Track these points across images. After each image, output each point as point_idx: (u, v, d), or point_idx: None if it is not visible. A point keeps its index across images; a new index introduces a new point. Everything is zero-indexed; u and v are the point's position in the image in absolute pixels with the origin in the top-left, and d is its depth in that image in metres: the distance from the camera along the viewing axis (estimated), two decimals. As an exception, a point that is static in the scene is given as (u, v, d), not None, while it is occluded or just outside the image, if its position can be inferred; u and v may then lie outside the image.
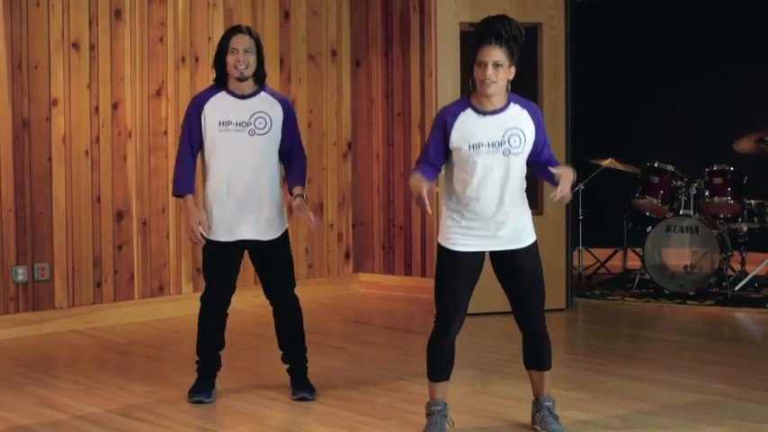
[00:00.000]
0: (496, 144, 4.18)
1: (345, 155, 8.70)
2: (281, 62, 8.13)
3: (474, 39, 4.24)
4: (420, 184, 4.14)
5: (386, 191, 8.64)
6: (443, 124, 4.25)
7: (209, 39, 7.62)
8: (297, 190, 5.01)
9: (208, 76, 7.57)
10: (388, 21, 8.58)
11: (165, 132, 7.43)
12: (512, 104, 4.25)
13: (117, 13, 7.14)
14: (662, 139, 9.96)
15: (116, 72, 7.16)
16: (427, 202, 4.09)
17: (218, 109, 4.86)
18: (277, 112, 4.93)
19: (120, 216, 7.20)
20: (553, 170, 4.22)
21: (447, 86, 7.22)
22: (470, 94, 4.29)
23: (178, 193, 4.97)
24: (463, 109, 4.25)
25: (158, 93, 7.38)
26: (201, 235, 4.92)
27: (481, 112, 4.22)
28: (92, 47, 7.03)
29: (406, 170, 8.47)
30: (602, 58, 9.81)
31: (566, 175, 4.18)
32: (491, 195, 4.21)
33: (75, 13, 6.94)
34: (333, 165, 8.59)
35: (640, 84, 10.07)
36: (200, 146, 4.92)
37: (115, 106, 7.16)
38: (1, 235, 6.66)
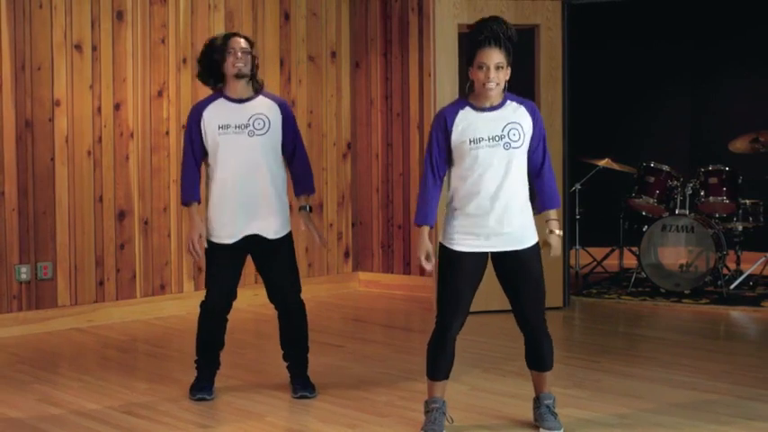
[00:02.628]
0: (497, 138, 4.21)
1: (345, 155, 8.75)
2: (282, 63, 8.17)
3: (469, 42, 4.27)
4: (421, 248, 4.33)
5: (385, 190, 8.69)
6: (444, 123, 4.27)
7: (210, 40, 7.67)
8: (302, 200, 5.10)
9: (209, 77, 7.64)
10: (386, 22, 8.63)
11: (167, 132, 7.48)
12: (508, 102, 4.29)
13: (119, 15, 7.19)
14: (658, 140, 10.02)
15: (118, 73, 7.20)
16: (426, 267, 4.35)
17: (217, 114, 4.91)
18: (275, 114, 4.96)
19: (122, 215, 7.25)
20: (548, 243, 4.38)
21: (445, 87, 7.26)
22: (467, 95, 4.32)
23: (186, 202, 5.02)
24: (462, 107, 4.29)
25: (160, 93, 7.43)
26: (204, 241, 4.98)
27: (479, 108, 4.26)
28: (94, 48, 7.08)
29: (405, 170, 8.53)
30: (598, 59, 9.86)
31: (551, 244, 4.38)
32: (491, 189, 4.23)
33: (78, 15, 6.98)
34: (332, 165, 8.64)
35: (636, 85, 10.13)
36: (204, 153, 4.96)
37: (117, 107, 7.21)
38: (4, 234, 6.71)
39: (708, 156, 8.76)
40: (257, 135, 4.90)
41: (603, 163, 9.02)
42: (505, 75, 4.21)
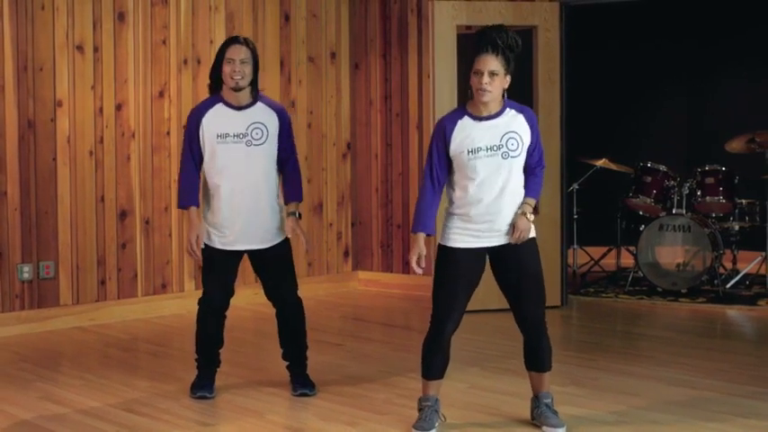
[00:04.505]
0: (495, 148, 4.25)
1: (345, 155, 8.79)
2: (282, 64, 8.22)
3: (471, 48, 4.31)
4: (413, 250, 4.36)
5: (384, 190, 8.73)
6: (443, 133, 4.31)
7: (211, 41, 7.71)
8: (291, 207, 5.07)
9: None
10: (386, 23, 8.66)
11: (168, 133, 7.52)
12: (507, 109, 4.32)
13: (120, 16, 7.23)
14: (655, 140, 10.06)
15: (120, 74, 7.24)
16: (416, 270, 4.37)
17: (216, 121, 4.89)
18: (273, 122, 4.96)
19: (123, 215, 7.30)
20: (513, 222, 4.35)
21: (444, 88, 7.30)
22: (466, 102, 4.35)
23: (183, 206, 5.01)
24: (460, 117, 4.32)
25: (161, 94, 7.47)
26: (202, 242, 5.00)
27: (478, 117, 4.29)
28: (96, 49, 7.11)
29: (405, 170, 8.57)
30: (596, 60, 9.90)
31: (518, 225, 4.32)
32: (490, 197, 4.28)
33: (80, 16, 7.02)
34: (332, 165, 8.68)
35: (634, 85, 10.18)
36: (202, 157, 4.95)
37: (119, 107, 7.24)
38: (7, 233, 6.75)
39: (705, 156, 8.80)
40: (255, 145, 4.90)
41: (601, 163, 9.06)
42: (502, 82, 4.23)
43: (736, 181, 8.28)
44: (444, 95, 7.29)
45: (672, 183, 8.38)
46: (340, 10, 8.71)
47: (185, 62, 7.59)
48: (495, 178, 4.27)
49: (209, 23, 7.73)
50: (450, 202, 4.40)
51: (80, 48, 7.04)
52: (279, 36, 8.22)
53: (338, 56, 8.71)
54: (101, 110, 7.15)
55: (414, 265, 4.38)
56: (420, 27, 8.42)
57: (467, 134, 4.27)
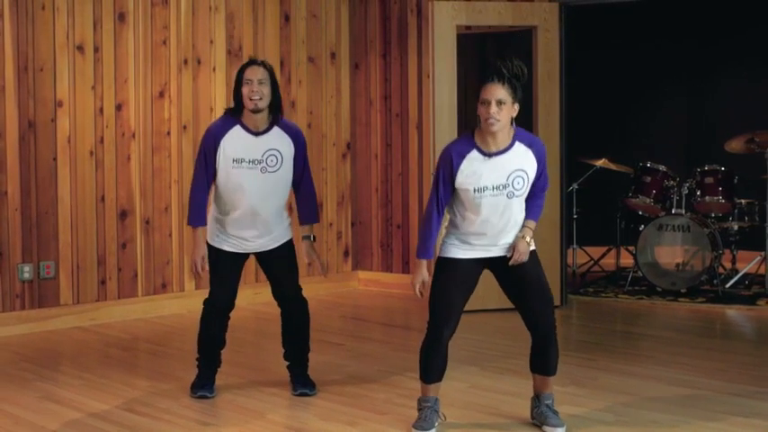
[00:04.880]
0: (501, 187, 4.26)
1: (344, 155, 8.80)
2: (282, 64, 8.22)
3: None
4: (417, 277, 4.41)
5: (384, 190, 8.74)
6: (450, 163, 4.28)
7: (211, 42, 7.72)
8: (305, 230, 5.13)
9: (210, 78, 7.70)
10: (386, 24, 8.67)
11: (168, 133, 7.52)
12: (517, 143, 4.29)
13: (121, 17, 7.24)
14: (654, 140, 10.07)
15: (120, 74, 7.25)
16: (418, 295, 4.45)
17: (233, 145, 4.88)
18: (288, 148, 4.97)
19: (123, 215, 7.30)
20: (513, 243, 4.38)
21: (444, 88, 7.31)
22: (474, 131, 4.32)
23: (193, 225, 5.02)
24: (469, 150, 4.28)
25: (161, 94, 7.48)
26: (206, 264, 5.04)
27: (486, 153, 4.26)
28: (96, 49, 7.12)
29: (404, 170, 8.58)
30: (595, 60, 9.91)
31: (518, 248, 4.34)
32: (494, 230, 4.32)
33: (80, 17, 7.02)
34: (332, 165, 8.69)
35: (633, 85, 10.19)
36: (215, 176, 4.96)
37: (119, 107, 7.25)
38: (7, 233, 6.75)
39: (704, 156, 8.82)
40: (269, 172, 4.91)
41: (600, 163, 9.08)
42: (510, 111, 4.21)
43: (736, 181, 8.30)
44: (444, 95, 7.30)
45: (671, 183, 8.40)
46: (340, 10, 8.72)
47: (185, 62, 7.60)
48: (499, 215, 4.30)
49: (209, 23, 7.74)
50: (451, 222, 4.43)
51: (80, 48, 7.04)
52: (279, 36, 8.23)
53: (338, 56, 8.71)
54: (101, 110, 7.15)
55: (416, 291, 4.42)
56: (420, 27, 8.42)
57: (474, 170, 4.25)
